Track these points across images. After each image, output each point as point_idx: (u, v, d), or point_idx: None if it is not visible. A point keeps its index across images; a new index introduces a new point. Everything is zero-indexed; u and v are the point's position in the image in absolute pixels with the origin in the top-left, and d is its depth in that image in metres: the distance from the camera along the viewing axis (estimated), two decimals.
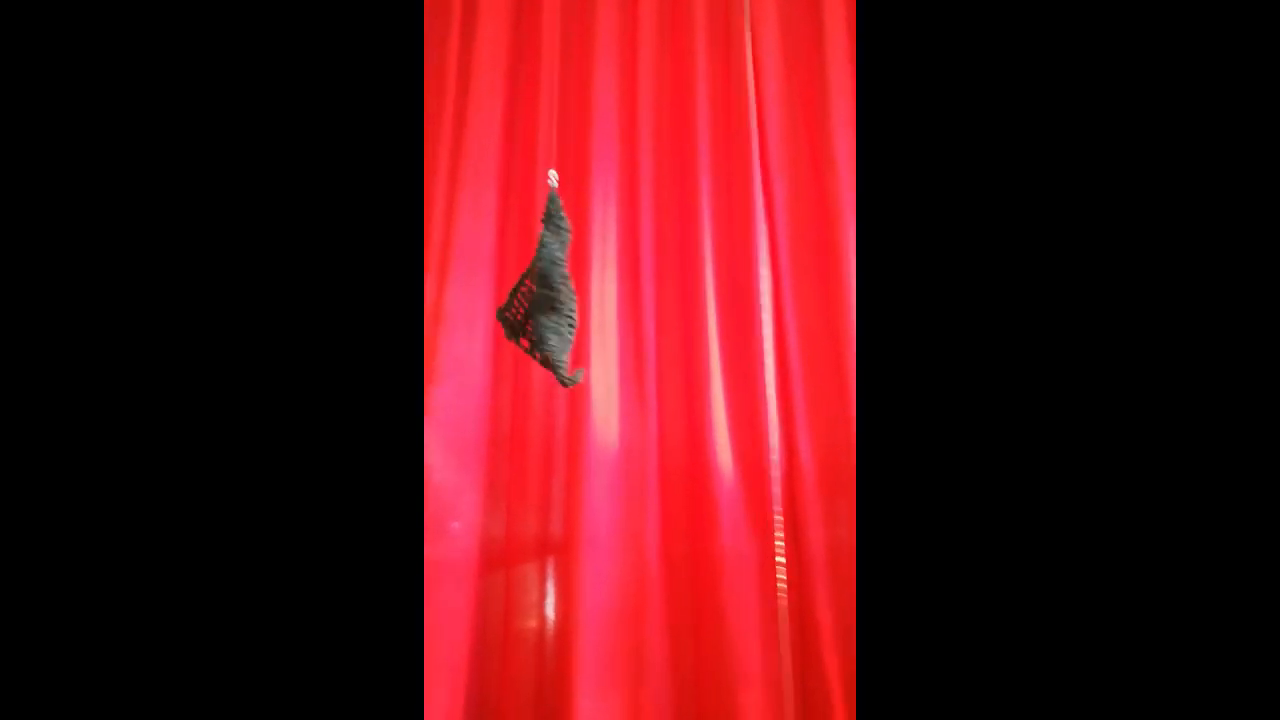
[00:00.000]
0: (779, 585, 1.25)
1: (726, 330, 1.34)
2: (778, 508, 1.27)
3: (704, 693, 1.22)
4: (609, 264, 1.36)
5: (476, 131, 1.40)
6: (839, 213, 1.34)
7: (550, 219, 0.96)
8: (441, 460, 1.27)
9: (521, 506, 1.32)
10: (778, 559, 1.25)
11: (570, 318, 0.95)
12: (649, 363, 1.34)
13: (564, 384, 0.95)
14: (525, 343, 0.99)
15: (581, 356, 1.29)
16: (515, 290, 0.99)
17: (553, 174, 0.99)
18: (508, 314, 1.00)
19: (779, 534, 1.26)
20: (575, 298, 0.96)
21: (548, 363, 0.97)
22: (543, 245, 0.95)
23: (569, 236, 0.97)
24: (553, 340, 0.94)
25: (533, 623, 1.28)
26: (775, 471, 1.28)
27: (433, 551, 1.22)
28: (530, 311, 0.97)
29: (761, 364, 1.32)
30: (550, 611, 1.28)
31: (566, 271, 0.95)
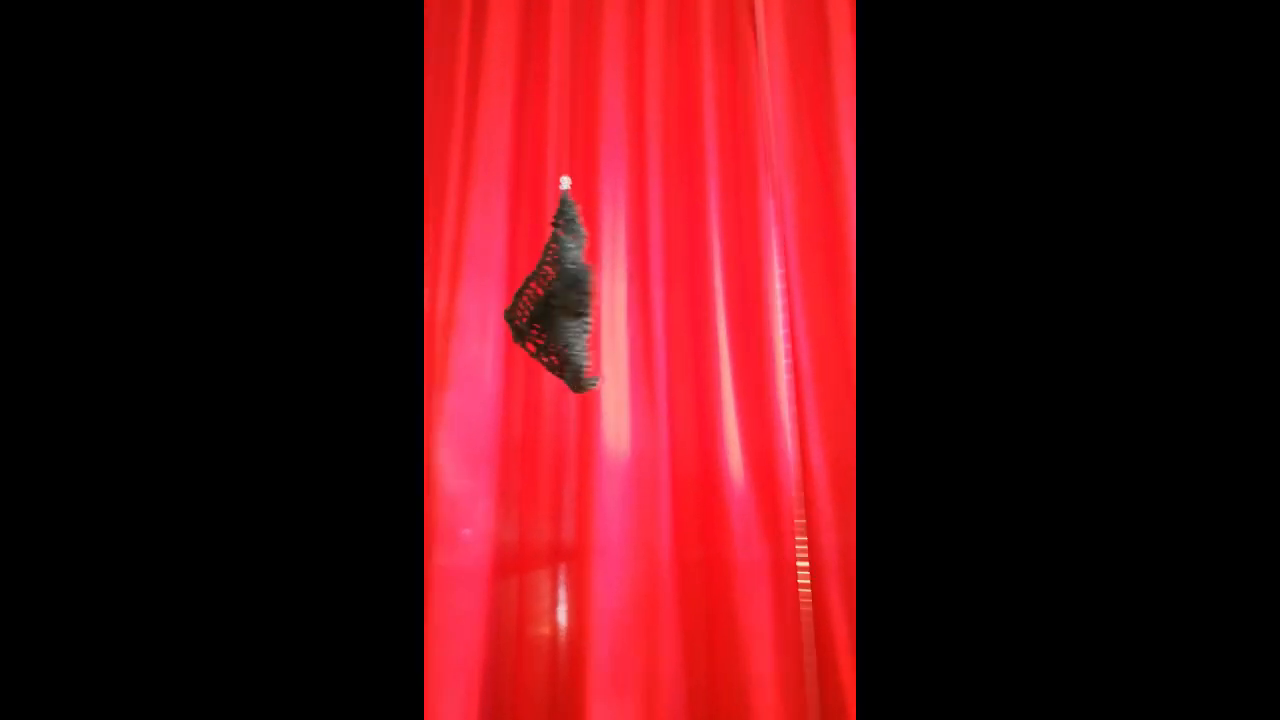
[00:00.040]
0: (802, 590, 1.23)
1: (737, 333, 1.33)
2: (800, 511, 1.26)
3: (717, 700, 1.21)
4: (618, 268, 1.36)
5: (486, 136, 1.41)
6: (848, 213, 1.32)
7: (570, 223, 0.96)
8: (453, 467, 1.27)
9: (533, 513, 1.32)
10: (800, 563, 1.24)
11: (589, 322, 0.95)
12: (659, 367, 1.33)
13: (578, 389, 0.95)
14: (531, 346, 0.98)
15: (592, 361, 1.29)
16: (520, 293, 0.99)
17: (565, 179, 0.99)
18: (514, 317, 0.99)
19: (801, 537, 1.25)
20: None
21: (554, 367, 0.97)
22: (562, 249, 0.94)
23: (586, 241, 0.97)
24: (577, 345, 0.93)
25: (545, 629, 1.27)
26: (788, 476, 1.26)
27: (445, 558, 1.23)
28: (540, 314, 0.96)
29: (773, 367, 1.30)
30: (563, 618, 1.28)
31: (589, 276, 0.95)
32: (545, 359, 0.98)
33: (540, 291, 0.97)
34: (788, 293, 1.34)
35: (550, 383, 1.33)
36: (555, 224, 0.97)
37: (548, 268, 0.97)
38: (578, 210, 0.96)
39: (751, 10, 1.45)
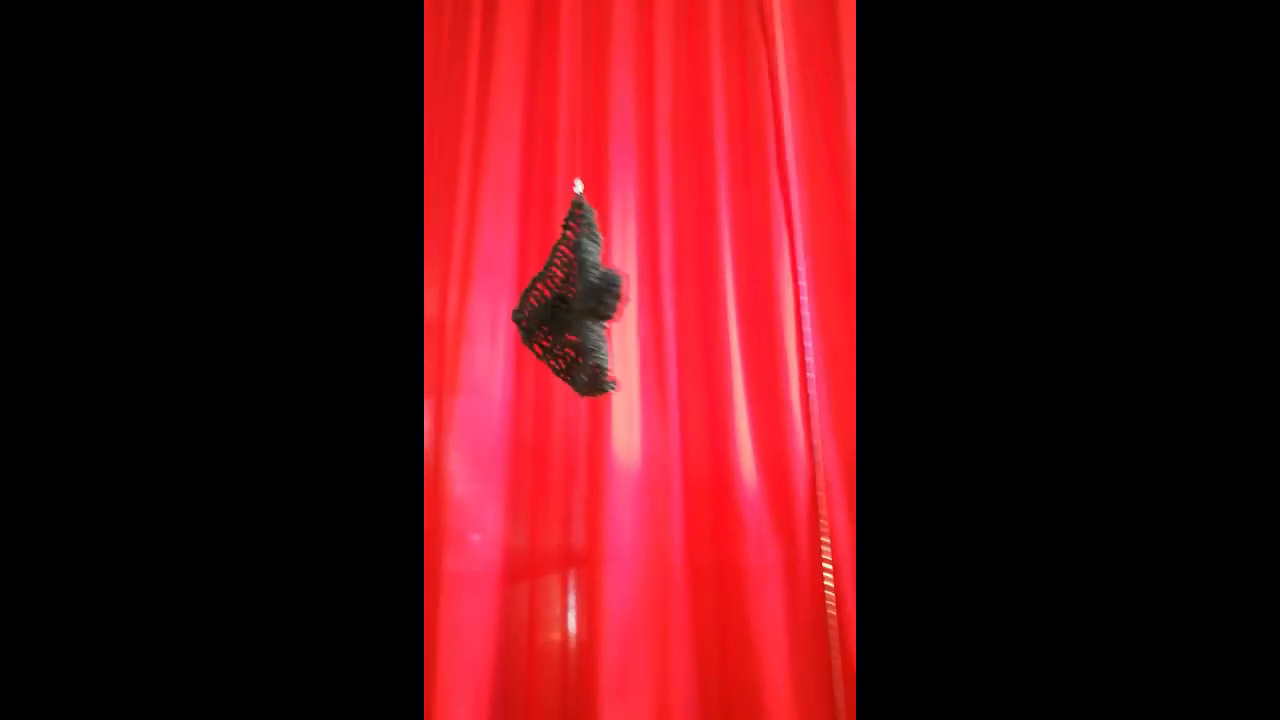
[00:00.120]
0: (827, 594, 1.21)
1: (748, 335, 1.32)
2: (823, 511, 1.23)
3: (730, 706, 1.19)
4: (629, 270, 1.35)
5: (497, 137, 1.40)
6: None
7: (588, 227, 0.95)
8: (463, 472, 1.27)
9: (544, 518, 1.31)
10: (824, 567, 1.22)
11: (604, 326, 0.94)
12: (670, 369, 1.32)
13: (595, 390, 0.93)
14: (538, 349, 0.98)
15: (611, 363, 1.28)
16: (526, 294, 0.98)
17: (578, 183, 0.99)
18: (520, 318, 0.99)
19: (825, 540, 1.22)
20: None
21: (560, 370, 0.96)
22: (582, 255, 0.93)
23: (602, 245, 0.96)
24: (601, 348, 0.92)
25: (556, 635, 1.26)
26: (801, 479, 1.24)
27: (455, 564, 1.22)
28: (548, 316, 0.96)
29: (784, 369, 1.28)
30: (573, 624, 1.27)
31: (618, 281, 0.93)
32: (552, 361, 0.97)
33: (548, 293, 0.97)
34: (799, 293, 1.32)
35: (561, 387, 1.32)
36: (566, 226, 0.96)
37: (556, 269, 0.97)
38: (595, 216, 0.95)
39: (760, 8, 1.44)
